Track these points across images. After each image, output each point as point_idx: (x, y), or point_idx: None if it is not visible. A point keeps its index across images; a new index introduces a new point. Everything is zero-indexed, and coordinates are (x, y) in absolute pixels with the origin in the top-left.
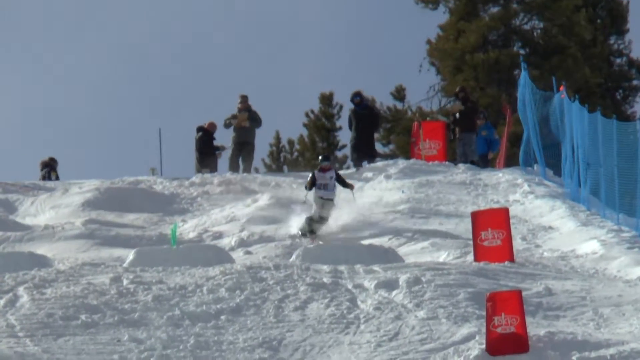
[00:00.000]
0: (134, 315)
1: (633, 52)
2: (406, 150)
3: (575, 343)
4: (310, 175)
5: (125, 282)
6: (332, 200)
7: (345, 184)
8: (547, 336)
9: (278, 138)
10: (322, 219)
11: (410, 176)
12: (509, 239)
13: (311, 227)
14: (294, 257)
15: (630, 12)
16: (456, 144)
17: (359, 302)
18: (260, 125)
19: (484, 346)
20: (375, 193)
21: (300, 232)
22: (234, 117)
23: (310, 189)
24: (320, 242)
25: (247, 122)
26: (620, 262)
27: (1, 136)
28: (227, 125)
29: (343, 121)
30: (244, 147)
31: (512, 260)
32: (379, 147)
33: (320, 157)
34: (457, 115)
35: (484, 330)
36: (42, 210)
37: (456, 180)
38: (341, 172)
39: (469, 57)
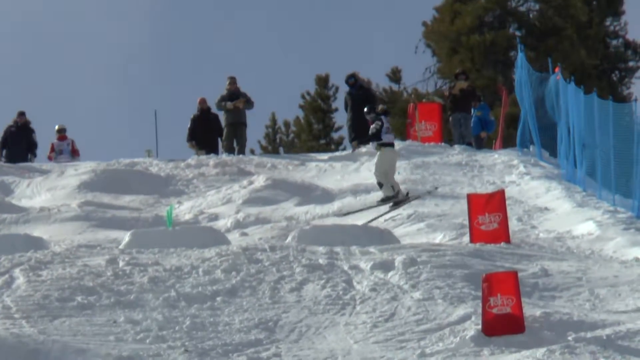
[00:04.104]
0: (130, 296)
1: (629, 33)
2: (402, 131)
3: (571, 323)
4: (378, 121)
5: (121, 263)
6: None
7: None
8: (543, 317)
9: (274, 120)
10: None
11: (406, 157)
12: (505, 221)
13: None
14: (289, 238)
15: None
16: (451, 124)
17: (354, 283)
18: (253, 107)
19: (479, 327)
20: (371, 174)
21: (391, 200)
22: (230, 100)
23: (379, 138)
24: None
25: (243, 104)
26: (616, 243)
27: None
28: (221, 108)
29: (339, 103)
30: (237, 128)
31: (508, 241)
32: None
33: (381, 106)
34: (459, 93)
35: (479, 310)
36: (38, 192)
37: (452, 162)
38: (336, 154)
39: (464, 39)
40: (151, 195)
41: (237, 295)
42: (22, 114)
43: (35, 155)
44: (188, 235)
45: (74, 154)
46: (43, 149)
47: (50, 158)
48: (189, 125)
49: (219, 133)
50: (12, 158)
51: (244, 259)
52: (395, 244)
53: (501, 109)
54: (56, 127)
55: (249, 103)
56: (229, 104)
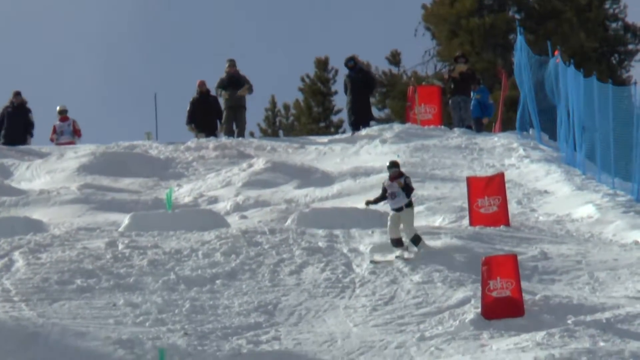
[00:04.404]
0: (130, 279)
1: (628, 16)
2: (401, 114)
3: (571, 307)
4: (381, 192)
5: (120, 246)
6: (403, 208)
7: (408, 190)
8: (543, 300)
9: (274, 102)
10: (415, 239)
11: (406, 140)
12: (504, 204)
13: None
14: (289, 221)
15: None
16: (450, 107)
17: (354, 266)
18: (253, 92)
19: (479, 310)
20: (370, 157)
21: (395, 256)
22: (230, 83)
23: (376, 202)
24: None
25: (246, 91)
26: (616, 226)
27: None
28: (219, 95)
29: (338, 85)
30: (237, 111)
31: (507, 224)
32: (374, 112)
33: (387, 165)
34: (458, 76)
35: (479, 294)
36: (37, 175)
37: (451, 145)
38: (336, 137)
39: (464, 22)
40: (151, 178)
41: (236, 278)
42: (18, 94)
43: (32, 135)
44: (187, 218)
45: (76, 133)
46: (41, 131)
47: (52, 140)
48: (188, 108)
49: (218, 115)
50: (10, 138)
51: (244, 242)
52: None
53: (501, 92)
54: (57, 108)
55: (250, 90)
56: (224, 94)
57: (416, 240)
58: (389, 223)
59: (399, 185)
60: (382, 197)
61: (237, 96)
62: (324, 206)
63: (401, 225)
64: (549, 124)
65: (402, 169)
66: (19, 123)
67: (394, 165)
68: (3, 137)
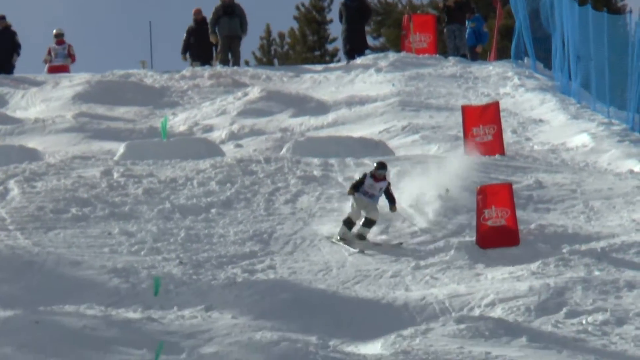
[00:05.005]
0: (125, 208)
1: None
2: (396, 43)
3: (566, 236)
4: (360, 177)
5: (115, 175)
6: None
7: (391, 198)
8: (538, 229)
9: (268, 31)
10: (369, 222)
11: (401, 69)
12: (499, 133)
13: (350, 232)
14: (284, 150)
15: None
16: (445, 35)
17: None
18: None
19: (474, 239)
20: (365, 86)
21: (338, 237)
22: (225, 14)
23: (352, 193)
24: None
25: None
26: (611, 155)
27: None
28: (212, 32)
29: (334, 14)
30: (232, 41)
31: (502, 153)
32: (369, 40)
33: (376, 164)
34: (453, 5)
35: (474, 223)
36: (32, 104)
37: (446, 73)
38: (331, 66)
39: None
40: (146, 106)
41: (231, 207)
42: (2, 18)
43: (18, 55)
44: (183, 147)
45: (70, 58)
46: (35, 57)
47: (45, 61)
48: (184, 37)
49: (213, 43)
50: None
51: (239, 171)
52: (389, 156)
53: (495, 21)
54: (54, 32)
55: (242, 26)
56: (212, 38)
57: (369, 224)
58: (353, 205)
59: (388, 191)
60: (356, 188)
61: (233, 25)
62: (319, 135)
63: (362, 212)
64: (544, 53)
65: (396, 98)
66: (4, 47)
67: (383, 167)
68: None
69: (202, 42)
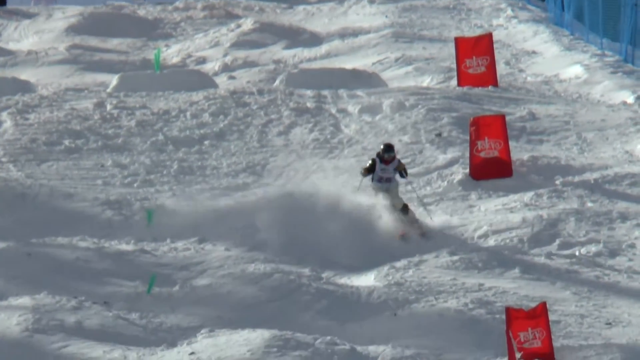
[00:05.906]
0: (118, 140)
1: None
2: None
3: (559, 167)
4: (370, 162)
5: (108, 107)
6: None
7: (403, 173)
8: (531, 160)
9: None
10: (404, 209)
11: (394, 1)
12: (492, 65)
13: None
14: (277, 82)
15: None
16: None
17: (342, 127)
18: None
19: (467, 170)
20: (358, 18)
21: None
22: None
23: (365, 175)
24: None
25: None
26: (604, 87)
27: None
28: None
29: None
30: None
31: (495, 84)
32: None
33: (382, 147)
34: None
35: (467, 154)
36: (25, 36)
37: (440, 5)
38: None
39: None
40: (139, 38)
41: (224, 138)
42: None
43: None
44: (176, 79)
45: None
46: None
47: None
48: None
49: None
50: None
51: (232, 103)
52: (383, 87)
53: None
54: None
55: None
56: None
57: (405, 210)
58: (375, 193)
59: (400, 168)
60: (369, 172)
61: None
62: (312, 67)
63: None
64: None
65: (389, 29)
66: None
67: (390, 149)
68: None
69: None
